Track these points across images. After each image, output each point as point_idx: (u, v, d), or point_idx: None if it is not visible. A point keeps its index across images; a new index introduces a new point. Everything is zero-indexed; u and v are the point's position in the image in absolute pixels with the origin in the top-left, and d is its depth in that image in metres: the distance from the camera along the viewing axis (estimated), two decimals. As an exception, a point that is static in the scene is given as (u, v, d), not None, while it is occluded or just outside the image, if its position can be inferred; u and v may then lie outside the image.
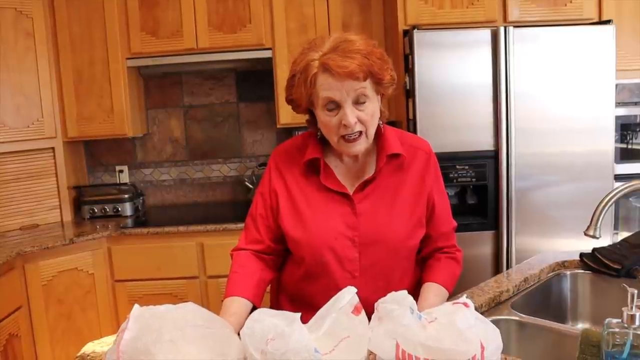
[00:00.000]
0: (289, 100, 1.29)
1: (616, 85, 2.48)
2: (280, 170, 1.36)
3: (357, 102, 1.20)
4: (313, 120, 1.31)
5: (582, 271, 1.65)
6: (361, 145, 1.25)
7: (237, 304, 1.24)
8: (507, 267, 2.47)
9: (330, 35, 1.25)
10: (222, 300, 1.27)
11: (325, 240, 1.28)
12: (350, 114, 1.19)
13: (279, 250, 1.37)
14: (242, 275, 1.31)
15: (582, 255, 1.66)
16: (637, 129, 2.70)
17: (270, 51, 2.92)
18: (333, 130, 1.23)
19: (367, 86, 1.20)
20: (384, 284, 1.29)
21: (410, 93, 2.48)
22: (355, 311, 1.06)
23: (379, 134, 1.31)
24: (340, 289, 1.12)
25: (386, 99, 1.31)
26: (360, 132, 1.23)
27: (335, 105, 1.20)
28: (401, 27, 2.58)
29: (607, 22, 2.49)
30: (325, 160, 1.32)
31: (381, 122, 1.31)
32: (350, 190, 1.31)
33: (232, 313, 1.20)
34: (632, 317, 1.00)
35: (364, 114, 1.21)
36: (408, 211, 1.31)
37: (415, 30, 2.42)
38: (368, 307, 1.07)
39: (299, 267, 1.34)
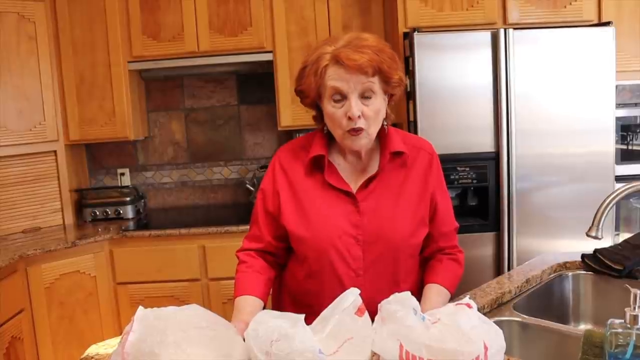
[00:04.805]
0: (298, 91, 1.31)
1: (616, 86, 2.49)
2: (284, 169, 1.36)
3: (363, 97, 1.23)
4: (319, 117, 1.33)
5: (583, 272, 1.65)
6: (363, 141, 1.27)
7: (252, 302, 1.26)
8: (509, 269, 2.47)
9: (345, 34, 1.28)
10: (229, 300, 1.27)
11: (329, 238, 1.28)
12: (355, 106, 1.21)
13: (280, 248, 1.38)
14: (251, 275, 1.32)
15: (583, 256, 1.67)
16: (638, 130, 2.71)
17: (271, 54, 2.93)
18: (337, 122, 1.25)
19: (375, 82, 1.22)
20: (388, 283, 1.30)
21: (410, 95, 2.49)
22: (359, 312, 1.07)
23: (382, 133, 1.32)
24: (344, 288, 1.13)
25: (393, 102, 1.33)
26: (362, 128, 1.24)
27: (341, 97, 1.23)
28: (401, 29, 2.59)
29: (607, 23, 2.49)
30: (329, 158, 1.33)
31: (386, 124, 1.32)
32: (354, 189, 1.32)
33: (249, 312, 1.19)
34: (635, 318, 1.00)
35: (368, 110, 1.23)
36: (411, 209, 1.32)
37: (415, 33, 2.43)
38: (372, 306, 1.07)
39: (303, 266, 1.34)
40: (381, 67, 1.21)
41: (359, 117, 1.22)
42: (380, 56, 1.21)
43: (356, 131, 1.24)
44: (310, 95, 1.28)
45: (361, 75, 1.20)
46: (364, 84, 1.21)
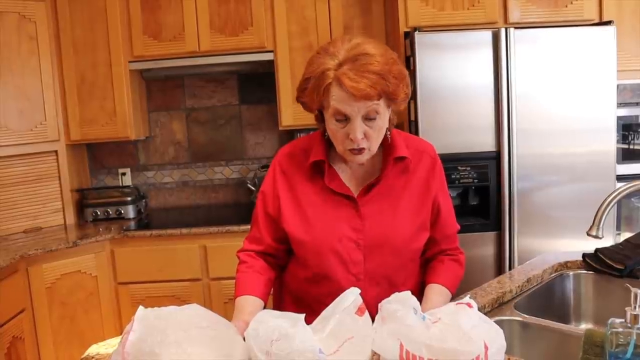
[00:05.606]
0: (301, 102, 1.29)
1: (617, 85, 2.49)
2: (285, 172, 1.35)
3: (367, 118, 1.20)
4: (322, 118, 1.29)
5: (584, 271, 1.65)
6: (364, 157, 1.25)
7: (252, 302, 1.25)
8: (510, 268, 2.47)
9: (349, 39, 1.20)
10: (230, 300, 1.27)
11: (329, 243, 1.28)
12: (358, 129, 1.19)
13: (280, 250, 1.37)
14: (251, 275, 1.32)
15: (584, 255, 1.66)
16: (639, 130, 2.70)
17: (272, 54, 2.93)
18: (339, 140, 1.23)
19: (380, 104, 1.19)
20: (388, 287, 1.29)
21: (411, 95, 2.48)
22: (359, 312, 1.07)
23: (385, 140, 1.30)
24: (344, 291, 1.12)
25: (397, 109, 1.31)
26: (365, 148, 1.22)
27: (344, 118, 1.20)
28: (402, 29, 2.59)
29: (608, 22, 2.49)
30: (330, 163, 1.32)
31: (389, 133, 1.30)
32: (355, 193, 1.31)
33: (250, 312, 1.19)
34: (635, 317, 1.00)
35: (371, 130, 1.21)
36: (413, 214, 1.31)
37: (416, 32, 2.43)
38: (372, 310, 1.07)
39: (303, 269, 1.34)
40: (386, 90, 1.17)
41: (362, 138, 1.20)
42: (386, 79, 1.16)
43: (358, 151, 1.22)
44: (313, 107, 1.26)
45: (366, 100, 1.16)
46: (368, 107, 1.17)
